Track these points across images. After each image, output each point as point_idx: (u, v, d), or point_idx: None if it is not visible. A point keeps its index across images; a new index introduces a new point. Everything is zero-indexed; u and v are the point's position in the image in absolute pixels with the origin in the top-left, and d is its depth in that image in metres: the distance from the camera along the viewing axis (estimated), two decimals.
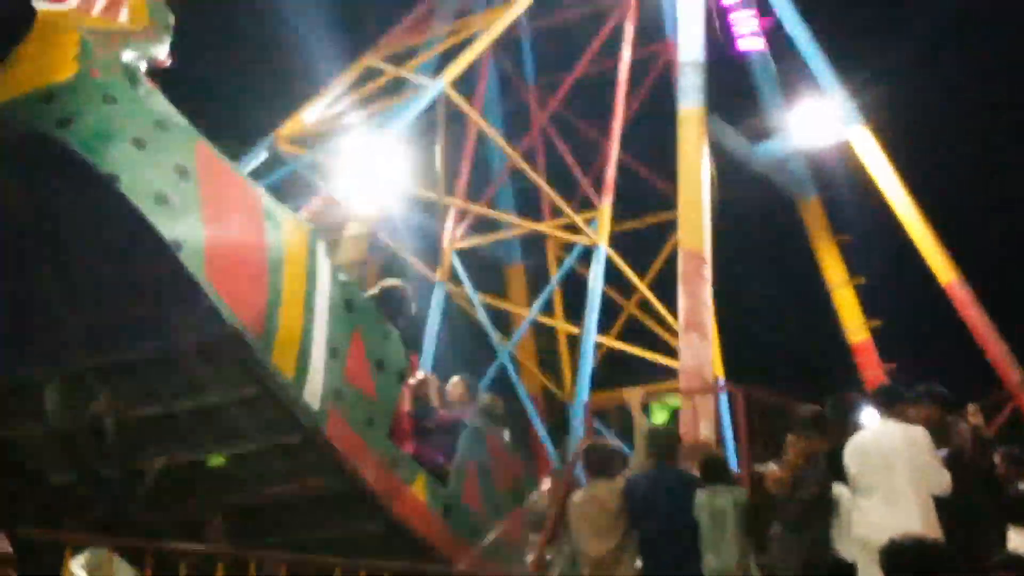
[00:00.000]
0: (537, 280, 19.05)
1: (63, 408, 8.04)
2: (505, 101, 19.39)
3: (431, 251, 17.53)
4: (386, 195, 14.75)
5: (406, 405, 9.13)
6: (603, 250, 15.86)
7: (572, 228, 16.62)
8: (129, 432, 7.96)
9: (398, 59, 16.91)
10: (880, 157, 17.27)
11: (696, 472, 8.19)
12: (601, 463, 8.37)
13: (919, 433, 7.23)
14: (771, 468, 7.69)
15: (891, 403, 7.47)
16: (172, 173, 7.44)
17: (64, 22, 7.59)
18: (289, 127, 16.24)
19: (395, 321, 8.93)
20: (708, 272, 13.74)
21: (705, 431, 11.46)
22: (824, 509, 7.42)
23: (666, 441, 8.40)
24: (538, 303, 17.05)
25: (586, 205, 17.27)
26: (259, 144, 16.02)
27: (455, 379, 10.47)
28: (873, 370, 18.20)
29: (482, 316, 16.82)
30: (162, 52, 8.02)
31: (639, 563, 8.03)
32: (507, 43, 18.28)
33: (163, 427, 8.14)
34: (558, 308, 18.46)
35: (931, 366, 14.92)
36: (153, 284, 7.64)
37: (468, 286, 16.96)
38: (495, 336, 16.59)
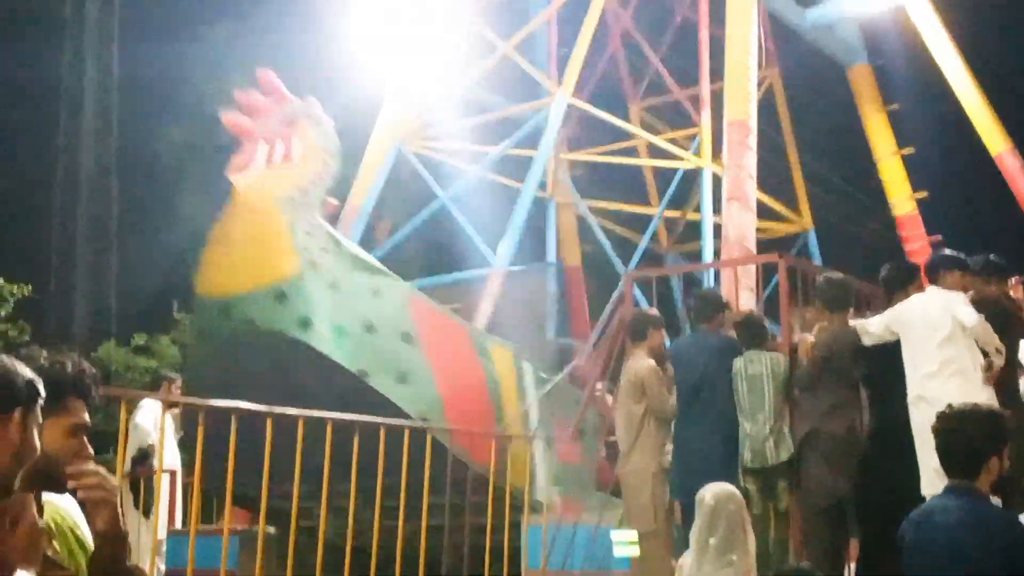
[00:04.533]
0: None
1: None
2: None
3: None
4: None
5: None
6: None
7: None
8: None
9: None
10: (935, 23, 16.82)
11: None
12: (637, 330, 8.28)
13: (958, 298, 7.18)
14: (805, 336, 7.68)
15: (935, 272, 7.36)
16: (401, 344, 7.62)
17: (260, 192, 7.69)
18: None
19: None
20: (753, 142, 13.59)
21: (746, 301, 11.48)
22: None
23: (710, 305, 8.40)
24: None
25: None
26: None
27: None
28: (918, 242, 18.09)
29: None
30: (334, 168, 8.16)
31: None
32: None
33: None
34: None
35: (978, 238, 14.91)
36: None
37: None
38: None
